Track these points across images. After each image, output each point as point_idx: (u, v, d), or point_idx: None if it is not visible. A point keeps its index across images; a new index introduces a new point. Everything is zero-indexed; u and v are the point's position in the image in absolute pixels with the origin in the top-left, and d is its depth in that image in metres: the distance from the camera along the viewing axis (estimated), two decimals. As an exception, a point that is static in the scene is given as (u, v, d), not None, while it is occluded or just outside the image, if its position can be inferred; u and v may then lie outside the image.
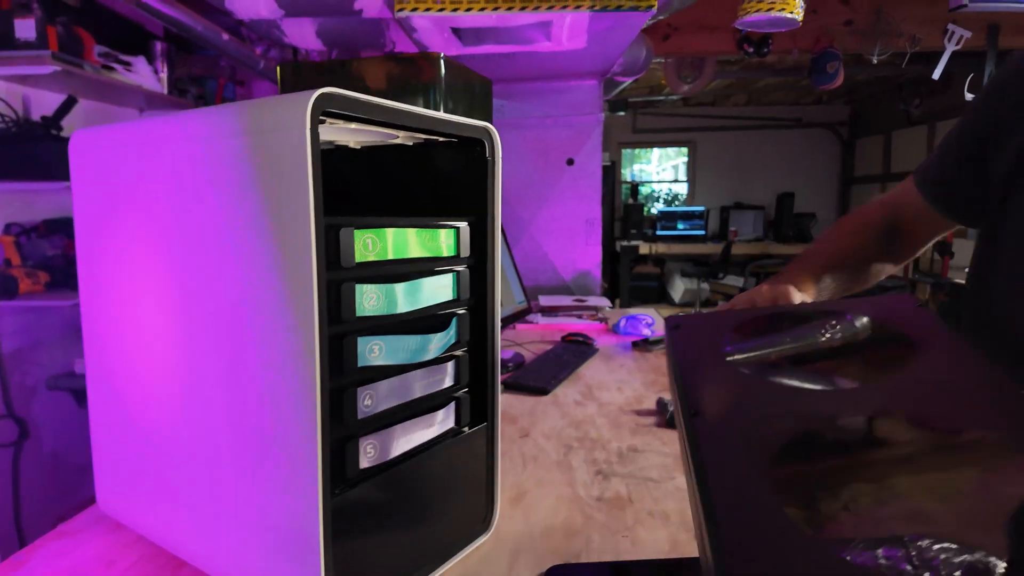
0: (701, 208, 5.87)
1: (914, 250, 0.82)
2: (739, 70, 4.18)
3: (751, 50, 2.88)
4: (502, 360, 1.46)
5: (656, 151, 6.63)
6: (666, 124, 6.13)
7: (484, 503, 0.70)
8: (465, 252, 0.65)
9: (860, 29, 2.80)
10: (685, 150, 6.36)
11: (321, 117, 0.50)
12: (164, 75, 2.32)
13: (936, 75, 2.73)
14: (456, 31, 1.62)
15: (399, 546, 0.60)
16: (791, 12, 1.71)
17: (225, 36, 1.98)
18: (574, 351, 1.53)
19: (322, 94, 0.48)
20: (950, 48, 2.66)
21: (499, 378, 0.69)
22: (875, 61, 2.79)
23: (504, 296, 1.54)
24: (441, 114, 0.60)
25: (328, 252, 0.51)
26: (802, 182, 5.99)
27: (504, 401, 1.23)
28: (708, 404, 0.41)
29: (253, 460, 0.54)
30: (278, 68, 1.33)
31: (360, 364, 0.54)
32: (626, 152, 6.46)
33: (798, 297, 0.68)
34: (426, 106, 1.32)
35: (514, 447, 0.97)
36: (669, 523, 0.72)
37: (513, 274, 1.63)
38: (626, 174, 6.54)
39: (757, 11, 1.74)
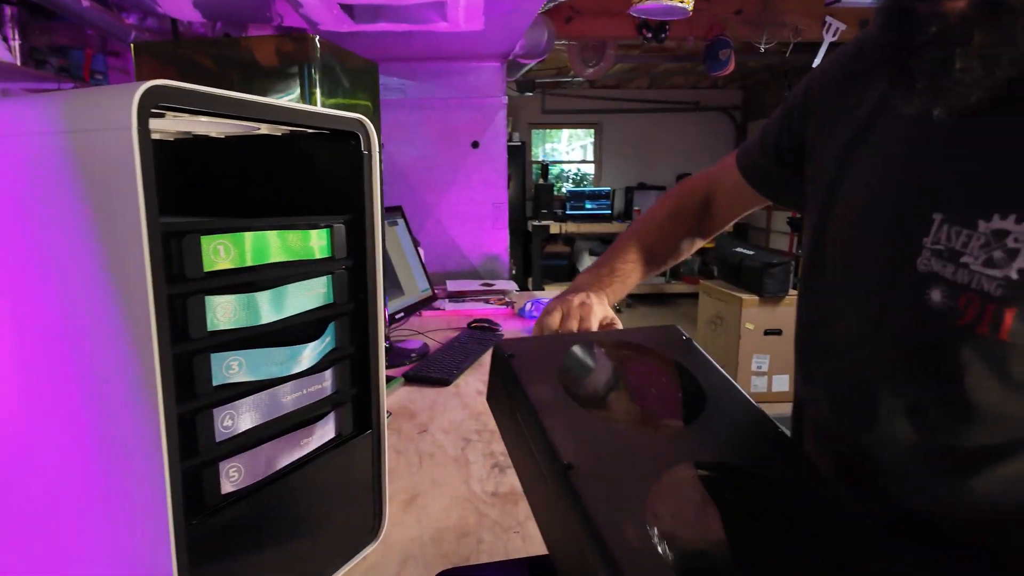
0: (607, 189, 6.00)
1: (726, 223, 0.86)
2: (640, 55, 4.27)
3: (650, 35, 2.95)
4: (406, 351, 1.43)
5: (565, 132, 6.70)
6: (574, 105, 6.20)
7: (371, 512, 0.67)
8: (341, 253, 0.61)
9: (749, 19, 2.93)
10: (592, 131, 6.47)
11: (160, 111, 0.45)
12: (16, 44, 2.06)
13: (816, 63, 2.91)
14: (347, 8, 1.53)
15: (276, 566, 0.56)
16: (682, 1, 1.75)
17: (85, 2, 1.77)
18: (479, 338, 1.51)
19: (151, 87, 0.42)
20: (828, 39, 2.84)
21: (384, 383, 0.66)
22: (763, 49, 2.93)
23: (407, 286, 1.50)
24: (301, 106, 0.55)
25: (170, 263, 0.46)
26: (700, 163, 6.26)
27: (405, 395, 1.19)
28: (577, 456, 0.42)
29: (98, 498, 0.48)
30: (132, 47, 1.19)
31: (217, 383, 0.49)
32: (536, 132, 6.49)
33: (600, 311, 0.71)
34: (302, 89, 1.24)
35: (411, 445, 0.95)
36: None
37: (416, 262, 1.59)
38: (537, 154, 6.58)
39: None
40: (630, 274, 0.81)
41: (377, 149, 0.63)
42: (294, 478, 0.57)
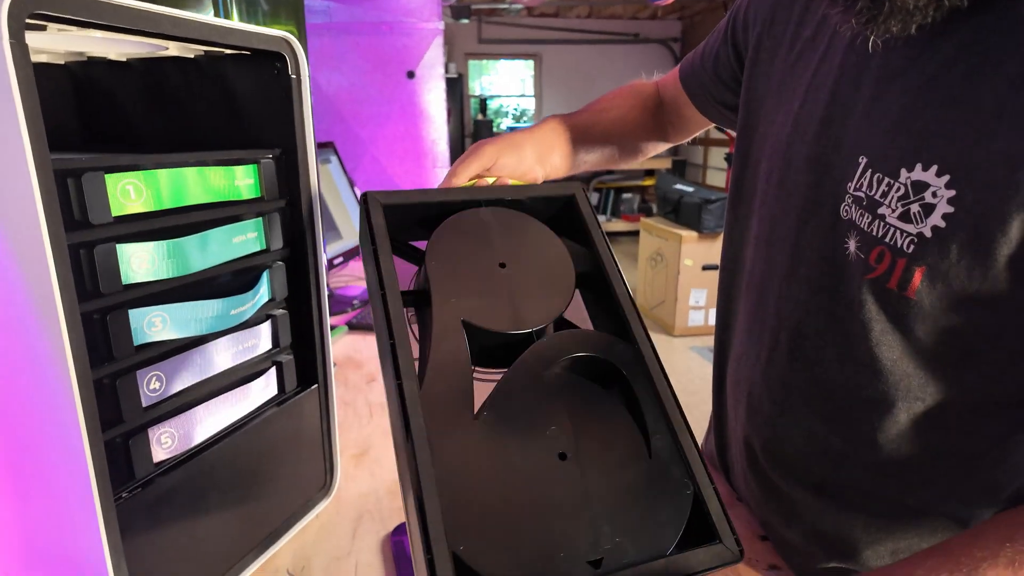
0: (548, 124, 5.90)
1: (684, 135, 0.80)
2: (580, -20, 4.12)
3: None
4: (347, 298, 1.37)
5: (503, 63, 6.47)
6: (512, 35, 5.97)
7: (322, 468, 0.64)
8: (272, 192, 0.55)
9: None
10: (531, 63, 6.28)
11: (39, 23, 0.37)
12: None
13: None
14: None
15: (222, 532, 0.52)
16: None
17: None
18: (423, 282, 1.47)
19: (21, -11, 0.34)
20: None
21: (329, 334, 0.62)
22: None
23: (344, 230, 1.42)
24: (215, 20, 0.47)
25: (70, 207, 0.39)
26: (641, 97, 6.22)
27: (350, 344, 1.15)
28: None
29: (10, 479, 0.43)
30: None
31: (139, 342, 0.44)
32: (473, 64, 6.24)
33: (510, 164, 0.61)
34: (216, 12, 1.11)
35: (359, 396, 0.91)
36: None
37: (354, 203, 1.50)
38: (474, 87, 6.35)
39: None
40: (582, 134, 0.72)
41: (306, 73, 0.56)
42: (236, 439, 0.53)
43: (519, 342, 0.45)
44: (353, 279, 1.52)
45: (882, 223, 0.44)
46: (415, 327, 0.46)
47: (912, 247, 0.42)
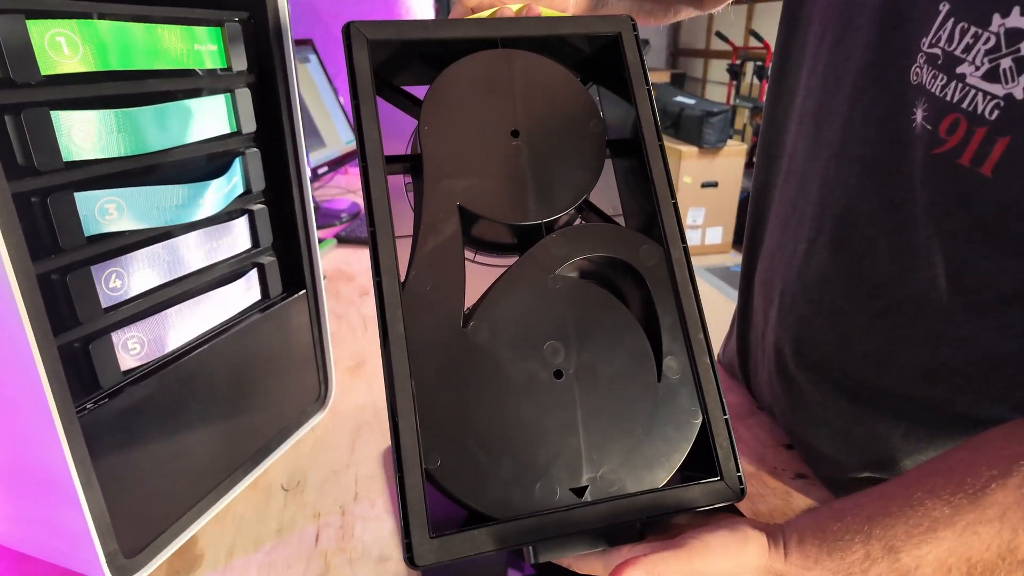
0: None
1: (714, 4, 0.70)
2: None
3: None
4: (335, 211, 1.29)
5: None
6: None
7: (316, 379, 0.59)
8: (240, 64, 0.47)
9: None
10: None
11: None
12: None
13: None
14: None
15: (207, 446, 0.48)
16: None
17: None
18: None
19: None
20: None
21: (315, 233, 0.55)
22: None
23: (328, 136, 1.32)
24: None
25: (-19, 56, 0.31)
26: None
27: (340, 257, 1.09)
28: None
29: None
30: None
31: (91, 232, 0.37)
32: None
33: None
34: None
35: (352, 309, 0.86)
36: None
37: (337, 109, 1.40)
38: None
39: None
40: None
41: (276, -80, 0.47)
42: (217, 347, 0.48)
43: (529, 232, 0.38)
44: (341, 191, 1.43)
45: (960, 85, 0.37)
46: (411, 196, 0.40)
47: (996, 113, 0.36)
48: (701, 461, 0.37)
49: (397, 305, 0.34)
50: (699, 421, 0.37)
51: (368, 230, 0.35)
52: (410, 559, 0.31)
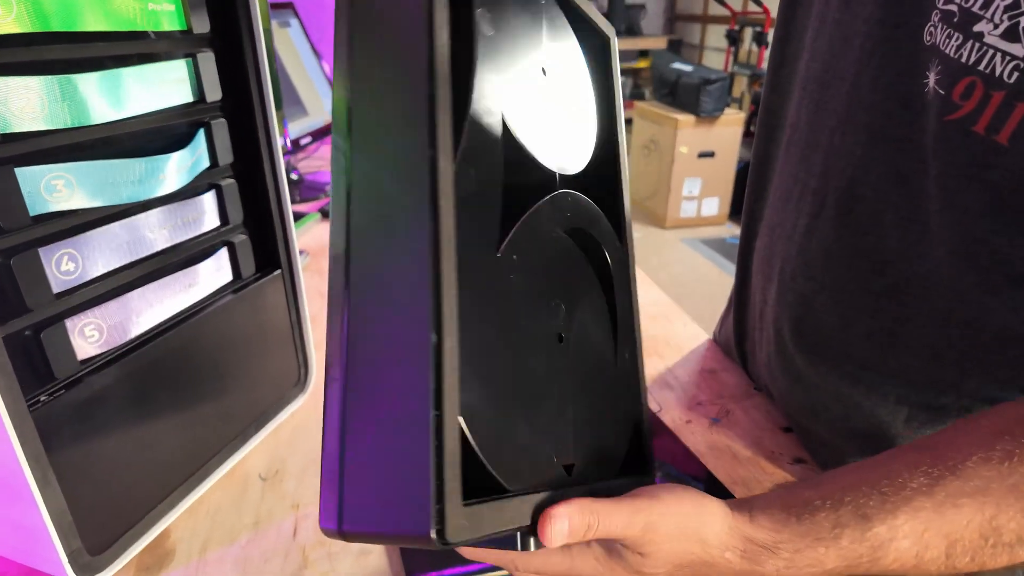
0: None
1: None
2: None
3: None
4: (319, 184, 1.25)
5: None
6: None
7: (295, 363, 0.57)
8: (201, 25, 0.43)
9: None
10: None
11: None
12: None
13: None
14: None
15: (179, 435, 0.46)
16: None
17: None
18: (404, 166, 1.35)
19: None
20: None
21: (289, 208, 0.52)
22: None
23: (311, 104, 1.27)
24: None
25: None
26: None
27: (324, 232, 1.05)
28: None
29: None
30: None
31: (37, 211, 0.34)
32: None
33: None
34: None
35: (336, 285, 0.83)
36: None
37: (320, 77, 1.34)
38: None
39: None
40: None
41: None
42: (186, 332, 0.45)
43: (543, 183, 0.32)
44: (325, 163, 1.39)
45: (977, 45, 0.34)
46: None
47: (1016, 76, 0.33)
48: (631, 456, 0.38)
49: (451, 197, 0.23)
50: (643, 413, 0.39)
51: (426, 92, 0.23)
52: (440, 532, 0.22)
